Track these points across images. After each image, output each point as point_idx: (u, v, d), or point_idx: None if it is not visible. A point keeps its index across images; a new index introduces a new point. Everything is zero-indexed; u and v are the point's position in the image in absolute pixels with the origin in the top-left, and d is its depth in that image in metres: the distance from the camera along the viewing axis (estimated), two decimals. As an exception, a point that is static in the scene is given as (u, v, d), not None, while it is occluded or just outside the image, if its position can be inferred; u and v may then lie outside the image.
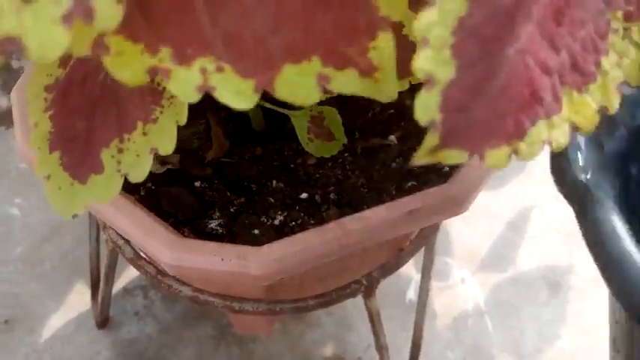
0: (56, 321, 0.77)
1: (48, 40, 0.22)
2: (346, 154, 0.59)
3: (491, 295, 0.80)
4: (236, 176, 0.58)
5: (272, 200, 0.56)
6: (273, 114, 0.56)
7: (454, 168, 0.55)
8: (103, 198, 0.37)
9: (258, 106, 0.48)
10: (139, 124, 0.37)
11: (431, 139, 0.27)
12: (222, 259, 0.48)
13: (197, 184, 0.57)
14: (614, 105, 0.33)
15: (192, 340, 0.76)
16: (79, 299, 0.78)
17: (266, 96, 0.30)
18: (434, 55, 0.27)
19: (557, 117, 0.30)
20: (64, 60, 0.38)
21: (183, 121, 0.37)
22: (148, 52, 0.28)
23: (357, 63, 0.29)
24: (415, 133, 0.59)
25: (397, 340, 0.76)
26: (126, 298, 0.79)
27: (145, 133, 0.37)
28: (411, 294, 0.80)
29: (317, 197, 0.56)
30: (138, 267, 0.60)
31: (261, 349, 0.75)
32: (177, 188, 0.56)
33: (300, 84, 0.29)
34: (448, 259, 0.83)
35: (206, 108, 0.59)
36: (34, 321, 0.76)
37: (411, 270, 0.80)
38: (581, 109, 0.31)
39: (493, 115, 0.28)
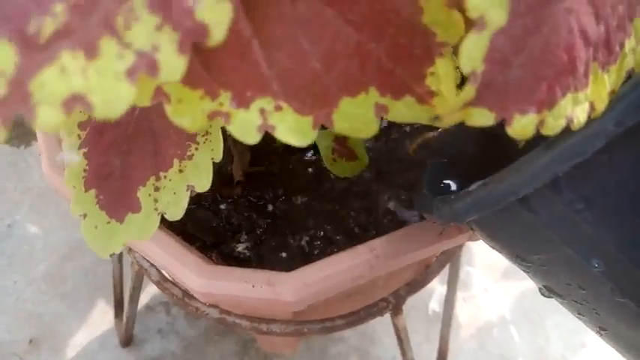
0: (80, 340, 0.77)
1: (113, 96, 0.22)
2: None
3: (515, 303, 0.80)
4: (261, 195, 0.58)
5: (297, 218, 0.56)
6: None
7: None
8: (141, 236, 0.36)
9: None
10: (175, 161, 0.36)
11: (467, 93, 0.27)
12: (253, 286, 0.48)
13: (222, 206, 0.57)
14: (616, 92, 0.32)
15: (216, 356, 0.76)
16: (102, 317, 0.78)
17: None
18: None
19: (583, 93, 0.30)
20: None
21: (219, 157, 0.36)
22: (207, 98, 0.28)
23: (415, 90, 0.29)
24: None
25: (422, 352, 0.75)
26: (148, 315, 0.79)
27: (181, 170, 0.36)
28: (434, 305, 0.79)
29: (342, 212, 0.56)
30: (164, 289, 0.59)
31: (284, 364, 0.75)
32: (202, 211, 0.56)
33: (358, 116, 0.28)
34: (470, 267, 0.83)
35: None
36: (59, 340, 0.76)
37: (433, 282, 0.80)
38: (601, 90, 0.31)
39: (531, 76, 0.27)
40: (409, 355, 0.65)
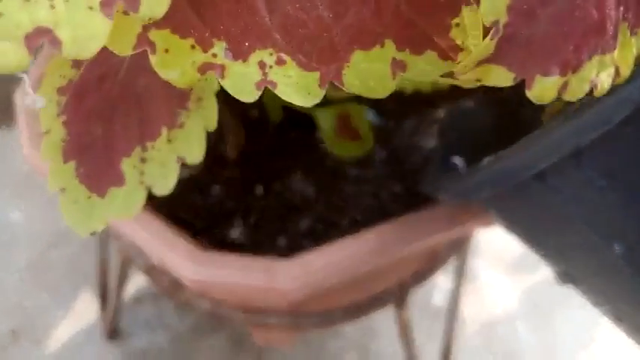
0: (64, 331, 0.73)
1: (85, 31, 0.18)
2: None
3: (522, 297, 0.77)
4: (256, 176, 0.54)
5: (296, 201, 0.52)
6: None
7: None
8: (125, 213, 0.33)
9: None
10: (164, 129, 0.32)
11: (486, 46, 0.24)
12: (249, 274, 0.44)
13: (214, 187, 0.53)
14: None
15: (207, 350, 0.72)
16: (87, 308, 0.74)
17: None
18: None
19: (610, 56, 0.27)
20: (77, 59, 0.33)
21: (213, 125, 0.32)
22: (199, 47, 0.24)
23: (437, 44, 0.25)
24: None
25: (424, 348, 0.72)
26: (136, 306, 0.75)
27: (170, 140, 0.32)
28: (437, 299, 0.76)
29: (345, 195, 0.52)
30: (152, 278, 0.56)
31: (280, 359, 0.72)
32: (193, 193, 0.52)
33: (372, 73, 0.25)
34: (475, 259, 0.79)
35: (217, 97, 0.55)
36: (41, 332, 0.73)
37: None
38: (627, 54, 0.28)
39: (557, 32, 0.25)
40: (412, 350, 0.62)
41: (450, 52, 0.25)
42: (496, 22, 0.24)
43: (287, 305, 0.52)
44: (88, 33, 0.18)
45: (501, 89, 0.26)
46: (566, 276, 0.43)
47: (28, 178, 0.82)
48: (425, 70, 0.25)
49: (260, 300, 0.51)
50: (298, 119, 0.54)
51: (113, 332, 0.72)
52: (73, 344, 0.73)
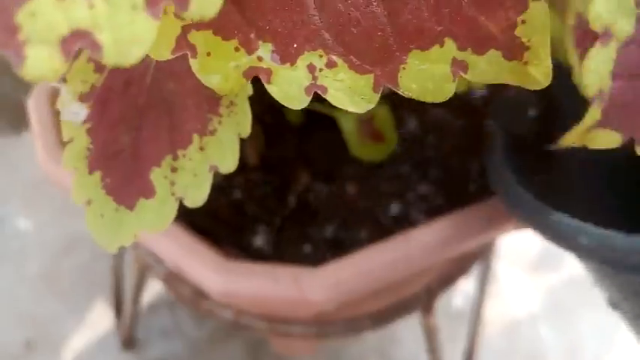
0: (79, 341, 0.71)
1: (127, 34, 0.16)
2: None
3: (544, 297, 0.75)
4: (278, 181, 0.52)
5: (320, 206, 0.51)
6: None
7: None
8: (156, 227, 0.31)
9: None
10: (195, 137, 0.31)
11: (592, 115, 0.23)
12: (278, 285, 0.42)
13: (235, 194, 0.51)
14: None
15: (224, 358, 0.71)
16: (102, 317, 0.73)
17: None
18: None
19: None
20: (100, 63, 0.31)
21: (247, 132, 0.31)
22: (243, 50, 0.22)
23: (501, 42, 0.23)
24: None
25: (446, 352, 0.70)
26: (151, 314, 0.73)
27: (202, 148, 0.31)
28: (458, 301, 0.74)
29: (371, 200, 0.50)
30: (171, 288, 0.54)
31: (298, 366, 0.70)
32: (213, 200, 0.51)
33: (430, 75, 0.23)
34: (495, 259, 0.77)
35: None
36: (56, 342, 0.71)
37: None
38: None
39: None
40: (438, 356, 0.60)
41: (515, 51, 0.23)
42: (600, 92, 0.23)
43: (314, 315, 0.50)
44: (131, 36, 0.16)
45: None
46: None
47: (38, 186, 0.80)
48: (487, 71, 0.23)
49: (287, 310, 0.49)
50: (320, 121, 0.52)
51: (129, 341, 0.70)
52: (88, 354, 0.71)
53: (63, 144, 0.41)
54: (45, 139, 0.45)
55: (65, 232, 0.77)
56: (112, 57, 0.16)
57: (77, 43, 0.16)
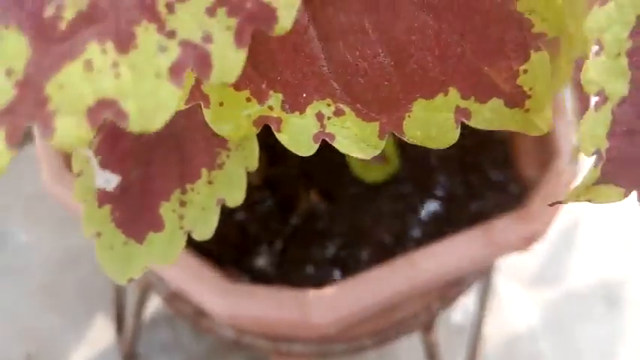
0: (79, 356, 0.72)
1: (153, 102, 0.16)
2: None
3: (543, 312, 0.75)
4: (280, 201, 0.53)
5: (322, 227, 0.51)
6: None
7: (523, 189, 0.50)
8: (164, 259, 0.31)
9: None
10: (204, 171, 0.31)
11: (592, 174, 0.24)
12: (282, 308, 0.43)
13: (237, 214, 0.52)
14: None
15: (225, 373, 0.71)
16: (102, 332, 0.73)
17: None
18: (609, 63, 0.22)
19: None
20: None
21: (254, 165, 0.31)
22: (254, 100, 0.23)
23: (504, 91, 0.24)
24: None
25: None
26: (151, 328, 0.73)
27: (210, 182, 0.31)
28: (457, 316, 0.75)
29: (373, 220, 0.51)
30: (173, 307, 0.54)
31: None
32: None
33: (434, 123, 0.24)
34: (494, 274, 0.78)
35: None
36: (57, 356, 0.71)
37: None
38: None
39: None
40: (438, 372, 0.60)
41: (517, 99, 0.24)
42: (598, 151, 0.24)
43: (317, 336, 0.50)
44: (155, 104, 0.17)
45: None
46: None
47: (38, 200, 0.80)
48: (490, 119, 0.24)
49: (290, 331, 0.50)
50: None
51: (130, 356, 0.71)
52: (89, 368, 0.71)
53: (68, 166, 0.42)
54: (50, 164, 0.45)
55: (66, 247, 0.77)
56: (137, 124, 0.17)
57: (103, 112, 0.16)
